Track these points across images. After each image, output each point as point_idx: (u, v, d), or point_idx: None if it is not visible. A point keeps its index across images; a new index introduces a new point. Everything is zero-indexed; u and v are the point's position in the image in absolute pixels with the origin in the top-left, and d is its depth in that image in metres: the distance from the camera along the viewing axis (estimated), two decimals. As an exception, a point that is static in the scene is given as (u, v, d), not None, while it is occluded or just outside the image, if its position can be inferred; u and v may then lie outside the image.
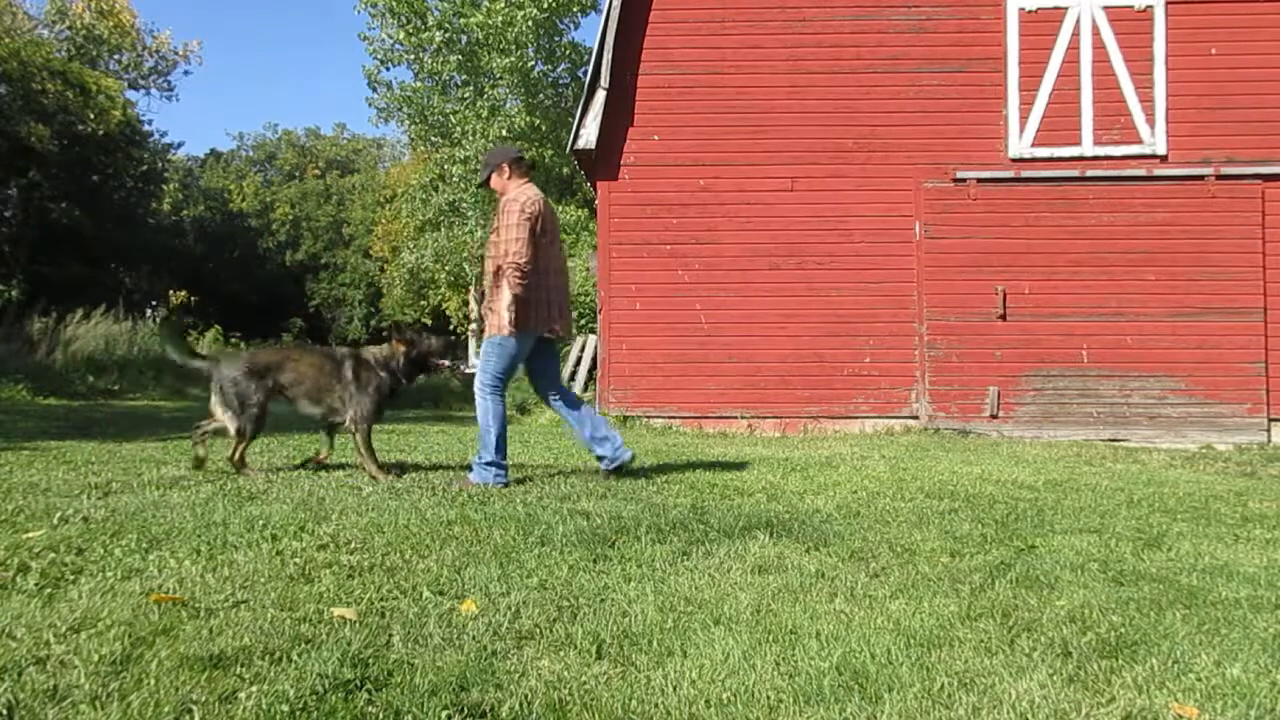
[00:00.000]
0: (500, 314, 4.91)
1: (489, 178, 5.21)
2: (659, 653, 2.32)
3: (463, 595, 2.77)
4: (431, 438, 8.09)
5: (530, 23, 20.14)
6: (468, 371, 5.93)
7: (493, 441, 4.95)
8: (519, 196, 4.99)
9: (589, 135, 10.41)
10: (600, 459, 5.31)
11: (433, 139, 22.72)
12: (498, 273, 4.92)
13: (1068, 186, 10.30)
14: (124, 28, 29.60)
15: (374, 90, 23.12)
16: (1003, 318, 10.25)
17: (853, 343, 10.40)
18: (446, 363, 5.50)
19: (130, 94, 29.69)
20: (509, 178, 5.14)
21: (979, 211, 10.34)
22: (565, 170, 22.42)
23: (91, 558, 3.06)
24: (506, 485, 4.92)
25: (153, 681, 2.00)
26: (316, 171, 41.71)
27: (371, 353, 5.39)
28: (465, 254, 22.33)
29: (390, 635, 2.37)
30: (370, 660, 2.19)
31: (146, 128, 30.84)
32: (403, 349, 5.32)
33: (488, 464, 4.95)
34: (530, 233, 4.89)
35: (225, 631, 2.33)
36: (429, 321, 32.04)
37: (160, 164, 32.08)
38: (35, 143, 22.77)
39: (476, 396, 5.07)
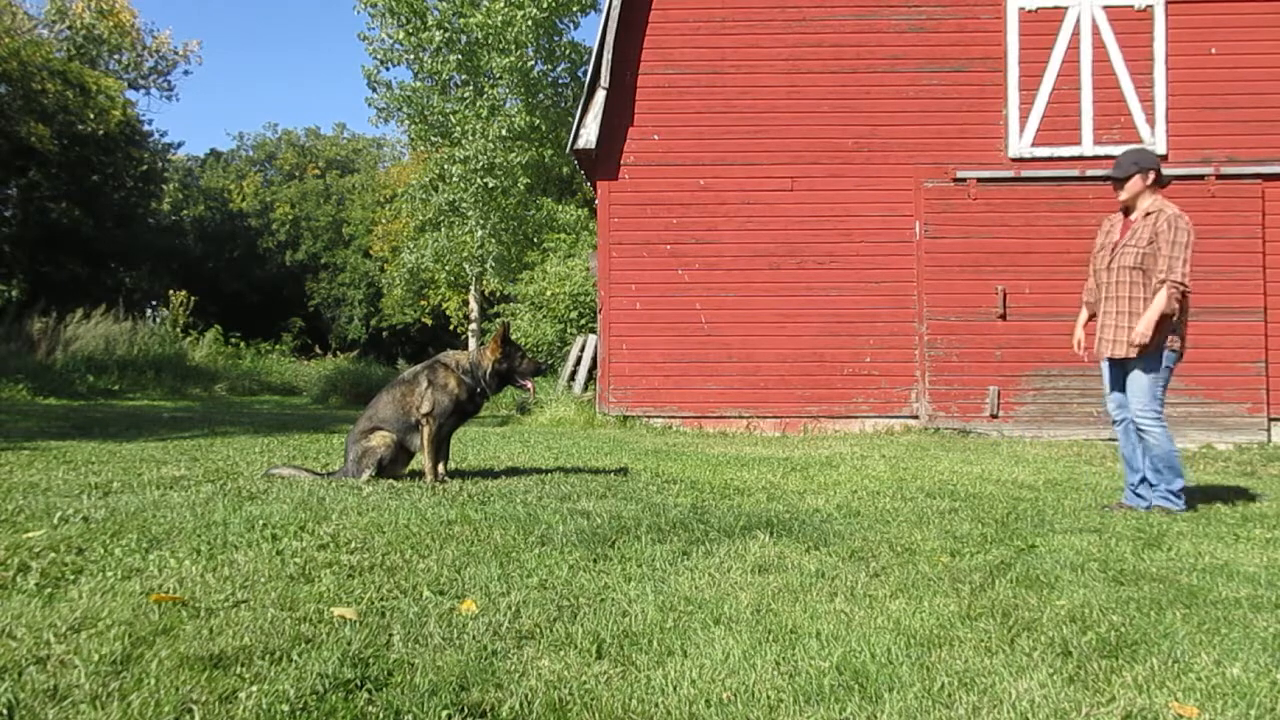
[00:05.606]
0: (1148, 325, 4.84)
1: (1130, 177, 4.94)
2: (659, 652, 2.32)
3: (463, 595, 2.77)
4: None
5: (530, 22, 20.11)
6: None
7: (1178, 466, 4.94)
8: (1181, 214, 4.84)
9: (589, 135, 10.41)
10: (1139, 495, 5.09)
11: (433, 139, 22.66)
12: (1157, 287, 4.81)
13: (1068, 186, 10.30)
14: (124, 27, 29.62)
15: (374, 90, 23.05)
16: (1003, 317, 10.25)
17: (853, 342, 10.41)
18: (530, 385, 5.41)
19: (130, 94, 29.73)
20: (1149, 185, 4.94)
21: (979, 211, 10.35)
22: (565, 170, 22.39)
23: (91, 558, 3.06)
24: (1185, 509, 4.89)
25: (153, 681, 2.00)
26: (316, 171, 41.68)
27: (455, 356, 5.31)
28: (465, 254, 22.26)
29: (390, 635, 2.37)
30: (370, 660, 2.19)
31: (146, 128, 30.83)
32: (497, 355, 5.22)
33: (1179, 491, 4.93)
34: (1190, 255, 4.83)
35: (225, 631, 2.33)
36: (428, 321, 32.11)
37: (160, 164, 32.02)
38: (35, 143, 22.76)
39: (1152, 425, 4.91)
